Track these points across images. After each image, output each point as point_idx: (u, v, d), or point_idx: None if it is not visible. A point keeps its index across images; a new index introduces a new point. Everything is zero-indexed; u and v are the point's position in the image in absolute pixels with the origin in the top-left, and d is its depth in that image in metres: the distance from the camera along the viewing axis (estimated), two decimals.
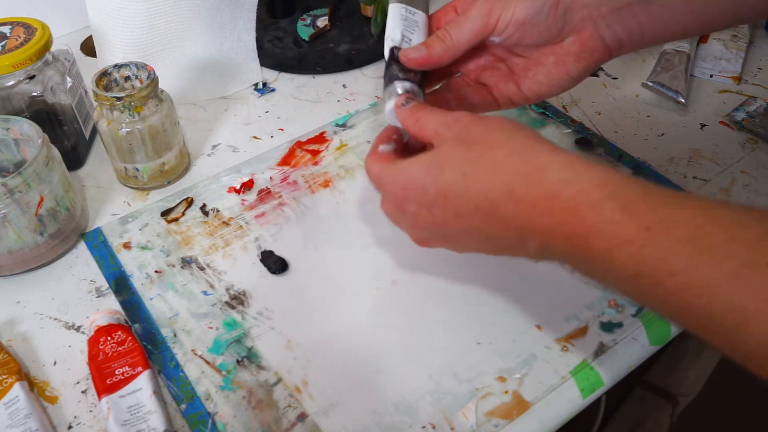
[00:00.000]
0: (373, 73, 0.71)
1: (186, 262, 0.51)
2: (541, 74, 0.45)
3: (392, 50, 0.45)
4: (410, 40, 0.46)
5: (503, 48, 0.47)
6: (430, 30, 0.47)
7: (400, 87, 0.44)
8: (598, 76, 0.68)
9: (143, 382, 0.42)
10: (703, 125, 0.63)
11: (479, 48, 0.46)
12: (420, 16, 0.47)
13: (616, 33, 0.44)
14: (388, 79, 0.45)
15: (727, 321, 0.28)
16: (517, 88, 0.46)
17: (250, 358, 0.45)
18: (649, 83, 0.66)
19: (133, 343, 0.44)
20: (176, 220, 0.55)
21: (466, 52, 0.45)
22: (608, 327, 0.46)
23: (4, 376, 0.43)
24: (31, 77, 0.55)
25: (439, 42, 0.44)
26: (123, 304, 0.49)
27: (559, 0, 0.43)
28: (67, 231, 0.51)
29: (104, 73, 0.55)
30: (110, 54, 0.64)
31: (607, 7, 0.44)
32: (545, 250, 0.35)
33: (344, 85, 0.69)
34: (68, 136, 0.58)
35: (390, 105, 0.43)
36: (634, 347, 0.45)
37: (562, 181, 0.33)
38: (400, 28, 0.46)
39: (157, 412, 0.41)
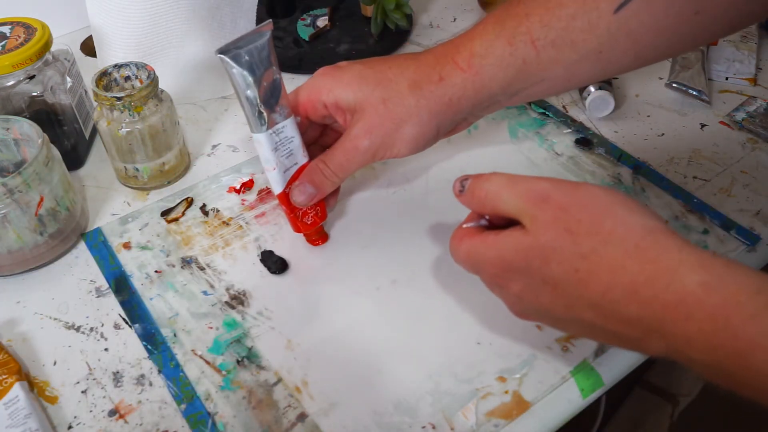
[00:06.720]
0: None
1: (186, 262, 0.51)
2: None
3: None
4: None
5: None
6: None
7: None
8: None
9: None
10: (703, 125, 0.63)
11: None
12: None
13: (479, 117, 0.49)
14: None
15: None
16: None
17: (250, 358, 0.45)
18: (673, 84, 0.65)
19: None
20: (176, 220, 0.55)
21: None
22: None
23: (4, 376, 0.43)
24: (31, 77, 0.55)
25: (326, 182, 0.48)
26: (123, 304, 0.49)
27: (442, 127, 0.47)
28: (67, 231, 0.51)
29: (104, 73, 0.55)
30: (110, 54, 0.64)
31: (485, 110, 0.48)
32: (673, 353, 0.32)
33: None
34: (68, 136, 0.58)
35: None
36: None
37: (701, 286, 0.30)
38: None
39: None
